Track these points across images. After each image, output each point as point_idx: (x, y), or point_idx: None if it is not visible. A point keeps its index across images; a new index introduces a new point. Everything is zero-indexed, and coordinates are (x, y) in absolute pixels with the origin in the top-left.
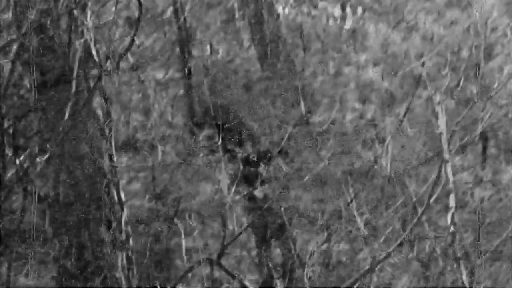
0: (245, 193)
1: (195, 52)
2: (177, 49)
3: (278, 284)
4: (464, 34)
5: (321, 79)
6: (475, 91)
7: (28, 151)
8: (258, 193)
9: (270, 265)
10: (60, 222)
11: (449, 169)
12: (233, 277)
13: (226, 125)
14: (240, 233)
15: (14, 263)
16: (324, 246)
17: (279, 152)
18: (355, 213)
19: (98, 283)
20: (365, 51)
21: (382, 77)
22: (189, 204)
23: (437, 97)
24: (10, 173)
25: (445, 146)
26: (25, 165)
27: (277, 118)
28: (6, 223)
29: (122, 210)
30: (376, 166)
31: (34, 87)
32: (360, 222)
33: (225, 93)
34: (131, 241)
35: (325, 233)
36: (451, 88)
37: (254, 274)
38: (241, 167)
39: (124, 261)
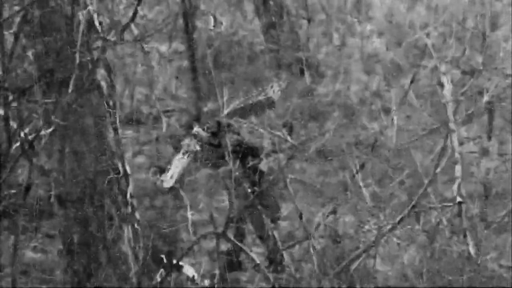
0: (249, 165)
1: (199, 24)
2: (181, 21)
3: (284, 256)
4: (469, 4)
5: (326, 50)
6: (480, 61)
7: (32, 124)
8: (263, 165)
9: (276, 237)
10: (65, 195)
11: (455, 140)
12: (240, 249)
13: (230, 98)
14: (246, 206)
15: (21, 238)
16: (330, 218)
17: (284, 124)
18: (361, 184)
19: (104, 256)
20: (369, 22)
21: (387, 48)
22: (195, 176)
23: (443, 67)
24: (15, 146)
25: (450, 117)
26: (30, 138)
27: (281, 90)
28: (11, 197)
29: (128, 183)
30: (381, 137)
31: (37, 59)
32: (365, 193)
33: (229, 65)
34: (136, 214)
35: (331, 205)
36: (456, 58)
37: (260, 247)
38: (246, 139)
39: (130, 234)
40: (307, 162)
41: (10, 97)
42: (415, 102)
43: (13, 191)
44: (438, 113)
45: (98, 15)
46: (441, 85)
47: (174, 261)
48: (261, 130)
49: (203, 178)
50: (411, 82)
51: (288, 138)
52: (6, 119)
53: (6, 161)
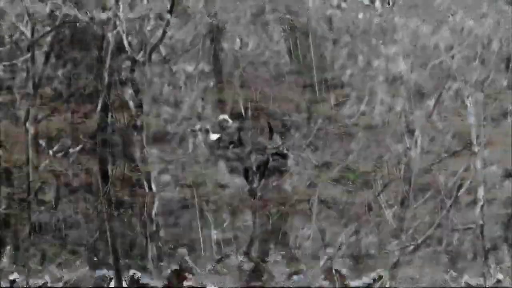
0: (273, 184)
1: (225, 45)
2: (208, 42)
3: (307, 274)
4: (494, 27)
5: (350, 72)
6: (504, 84)
7: (61, 142)
8: (287, 185)
9: (300, 248)
10: (92, 213)
11: (478, 162)
12: (263, 268)
13: (256, 118)
14: (270, 225)
15: (47, 254)
16: (353, 238)
17: (308, 144)
18: (384, 205)
19: (129, 272)
20: (394, 44)
21: (411, 70)
22: (219, 195)
23: (467, 90)
24: (43, 164)
25: (474, 139)
26: (59, 155)
27: (307, 110)
28: (39, 214)
29: (153, 201)
30: (405, 159)
31: (67, 78)
32: (388, 214)
33: (254, 86)
34: (161, 232)
35: (354, 226)
36: (480, 81)
37: (282, 265)
38: (271, 159)
39: (155, 252)
40: (330, 182)
41: (40, 115)
42: (439, 124)
43: (42, 207)
44: (462, 135)
45: (127, 35)
46: (465, 108)
47: (198, 279)
48: (285, 150)
49: (227, 196)
50: (435, 104)
51: (312, 158)
52: (35, 137)
53: (35, 178)
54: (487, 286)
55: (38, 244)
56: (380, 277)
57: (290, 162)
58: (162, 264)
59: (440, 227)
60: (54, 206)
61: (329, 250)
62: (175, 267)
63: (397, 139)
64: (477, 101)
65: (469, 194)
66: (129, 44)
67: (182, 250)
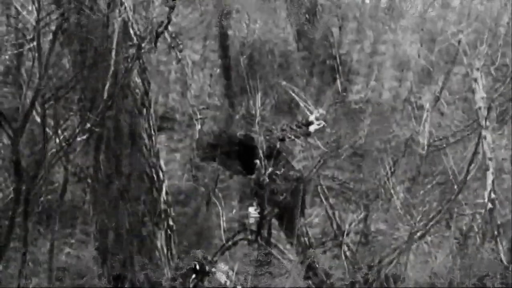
0: (282, 170)
1: (232, 31)
2: (214, 29)
3: (316, 255)
4: (501, 11)
5: (358, 57)
6: (511, 67)
7: (68, 130)
8: (294, 171)
9: (309, 235)
10: (100, 200)
11: (486, 146)
12: (271, 253)
13: (264, 104)
14: (278, 210)
15: (56, 242)
16: (362, 223)
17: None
18: (392, 190)
19: (137, 261)
20: (401, 29)
21: (419, 54)
22: (227, 181)
23: (474, 74)
24: (51, 151)
25: (482, 122)
26: (66, 143)
27: (314, 96)
28: (47, 202)
29: (161, 188)
30: (412, 143)
31: (73, 66)
32: (396, 200)
33: (261, 71)
34: (169, 220)
35: (363, 210)
36: (487, 64)
37: (291, 253)
38: (278, 144)
39: (163, 240)
40: (338, 169)
41: (46, 105)
42: (446, 108)
43: (48, 197)
44: (470, 119)
45: (133, 22)
46: (473, 91)
47: (207, 268)
48: (293, 137)
49: (236, 185)
50: (443, 88)
51: (320, 144)
52: (42, 125)
53: (42, 167)
54: (489, 287)
55: (45, 234)
56: (390, 262)
57: (298, 148)
58: (171, 253)
59: (448, 212)
60: (60, 195)
61: (338, 235)
62: (188, 264)
63: (404, 123)
64: (484, 85)
65: (478, 178)
66: (135, 33)
67: (197, 251)
